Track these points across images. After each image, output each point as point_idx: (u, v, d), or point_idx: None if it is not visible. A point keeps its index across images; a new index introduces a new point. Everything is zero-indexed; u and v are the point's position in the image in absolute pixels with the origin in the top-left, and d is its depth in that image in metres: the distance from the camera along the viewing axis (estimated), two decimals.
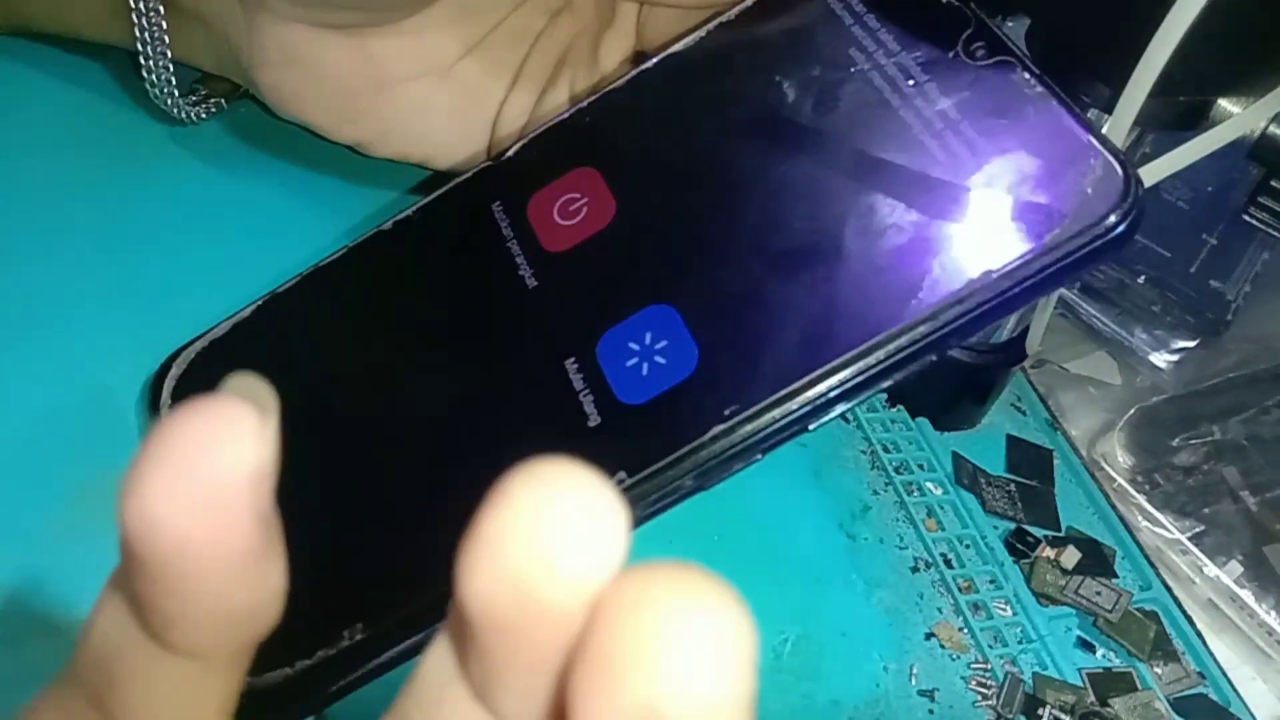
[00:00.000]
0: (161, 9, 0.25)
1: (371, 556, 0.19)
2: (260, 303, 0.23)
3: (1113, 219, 0.19)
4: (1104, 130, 0.23)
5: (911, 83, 0.22)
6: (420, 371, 0.22)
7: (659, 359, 0.20)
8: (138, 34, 0.25)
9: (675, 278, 0.21)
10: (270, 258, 0.26)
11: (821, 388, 0.19)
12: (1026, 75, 0.21)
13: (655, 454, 0.19)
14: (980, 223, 0.20)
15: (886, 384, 0.19)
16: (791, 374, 0.19)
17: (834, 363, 0.19)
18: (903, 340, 0.19)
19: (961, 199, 0.20)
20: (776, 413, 0.19)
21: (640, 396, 0.20)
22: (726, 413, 0.19)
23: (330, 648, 0.18)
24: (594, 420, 0.20)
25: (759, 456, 0.19)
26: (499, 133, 0.27)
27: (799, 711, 0.25)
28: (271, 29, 0.25)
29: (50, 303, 0.24)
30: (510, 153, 0.24)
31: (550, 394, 0.21)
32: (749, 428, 0.19)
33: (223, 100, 0.28)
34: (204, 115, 0.28)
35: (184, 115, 0.27)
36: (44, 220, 0.26)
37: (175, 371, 0.22)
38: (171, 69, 0.26)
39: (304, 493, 0.20)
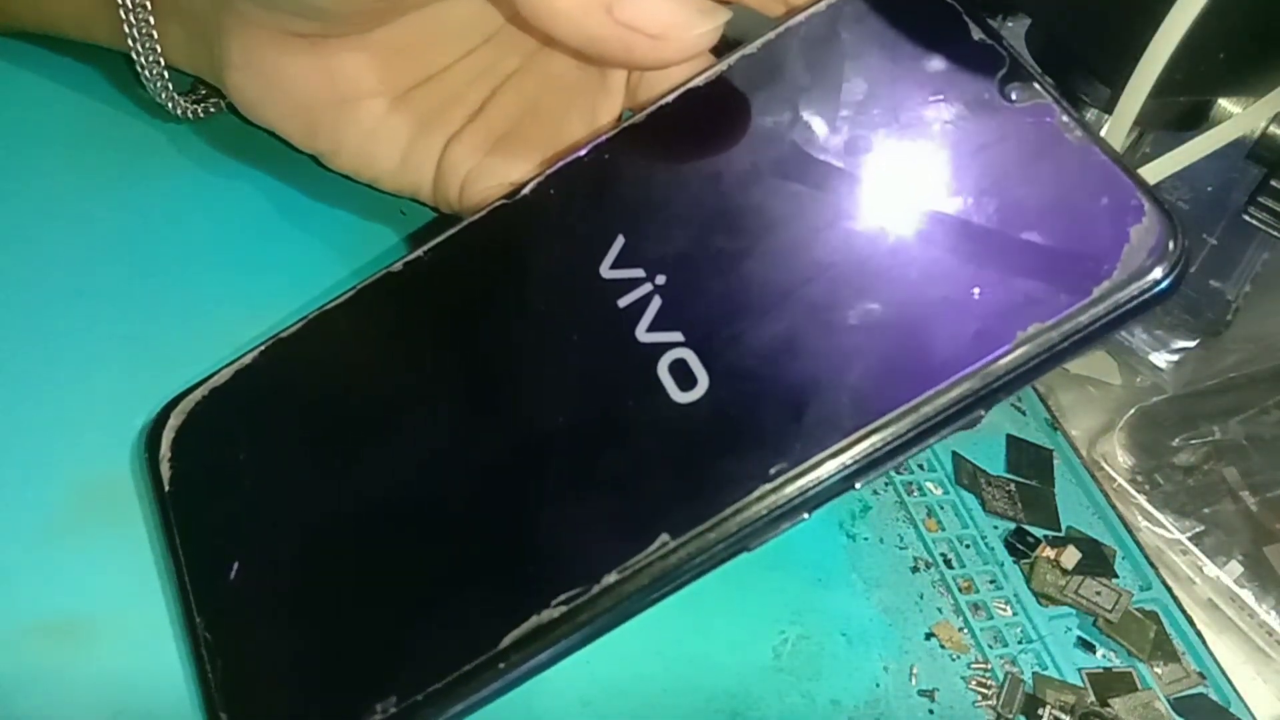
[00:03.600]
0: (149, 3, 0.24)
1: (407, 629, 0.19)
2: (263, 348, 0.22)
3: (1159, 273, 0.18)
4: (1104, 131, 0.23)
5: (946, 126, 0.21)
6: (438, 422, 0.21)
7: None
8: (127, 30, 0.25)
9: (704, 327, 0.20)
10: (271, 259, 0.26)
11: (865, 445, 0.18)
12: (1065, 119, 0.20)
13: (700, 514, 0.18)
14: (1028, 276, 0.19)
15: (932, 441, 0.19)
16: (838, 432, 0.19)
17: (879, 421, 0.18)
18: (950, 397, 0.18)
19: (1009, 251, 0.20)
20: (821, 471, 0.18)
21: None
22: (772, 471, 0.18)
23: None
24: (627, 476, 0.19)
25: (805, 516, 0.19)
26: (445, 169, 0.26)
27: (799, 711, 0.25)
28: (238, 33, 0.24)
29: (44, 308, 0.24)
30: (526, 191, 0.23)
31: (582, 449, 0.20)
32: (794, 486, 0.18)
33: (221, 101, 0.28)
34: (202, 115, 0.28)
35: (182, 113, 0.27)
36: (42, 219, 0.25)
37: (174, 422, 0.22)
38: (163, 63, 0.26)
39: (327, 555, 0.20)
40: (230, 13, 0.24)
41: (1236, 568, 0.34)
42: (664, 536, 0.18)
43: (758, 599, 0.26)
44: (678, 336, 0.20)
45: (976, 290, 0.19)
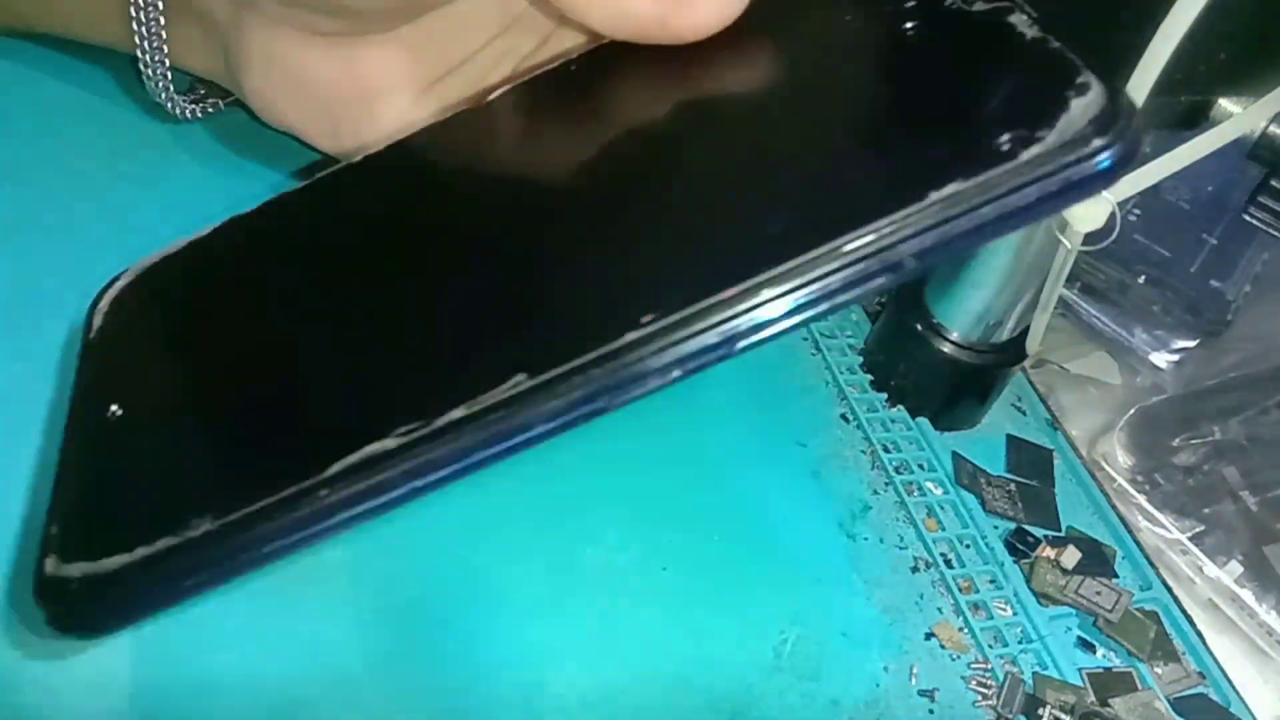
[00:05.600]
0: (160, 3, 0.25)
1: (238, 446, 0.18)
2: (217, 226, 0.23)
3: (1095, 144, 0.17)
4: None
5: (901, 23, 0.20)
6: (332, 262, 0.21)
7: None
8: (135, 28, 0.25)
9: (604, 171, 0.20)
10: None
11: (748, 301, 0.16)
12: (1023, 17, 0.19)
13: (560, 355, 0.17)
14: (955, 139, 0.18)
15: (825, 307, 0.17)
16: (719, 282, 0.17)
17: (765, 275, 0.16)
18: (845, 253, 0.16)
19: (942, 116, 0.18)
20: (697, 324, 0.16)
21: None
22: (643, 319, 0.17)
23: (175, 536, 0.16)
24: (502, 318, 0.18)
25: (676, 374, 0.17)
26: None
27: (799, 711, 0.25)
28: (258, 32, 0.24)
29: (48, 299, 0.24)
30: (490, 99, 0.24)
31: (455, 284, 0.19)
32: (665, 337, 0.16)
33: (219, 100, 0.28)
34: (200, 115, 0.28)
35: (181, 113, 0.27)
36: (42, 217, 0.26)
37: (118, 284, 0.22)
38: (168, 64, 0.26)
39: (195, 383, 0.19)
40: (252, 11, 0.24)
41: (1236, 568, 0.34)
42: (520, 375, 0.16)
43: (758, 599, 0.26)
44: (573, 180, 0.20)
45: (896, 147, 0.18)
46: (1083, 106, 0.17)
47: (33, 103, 0.28)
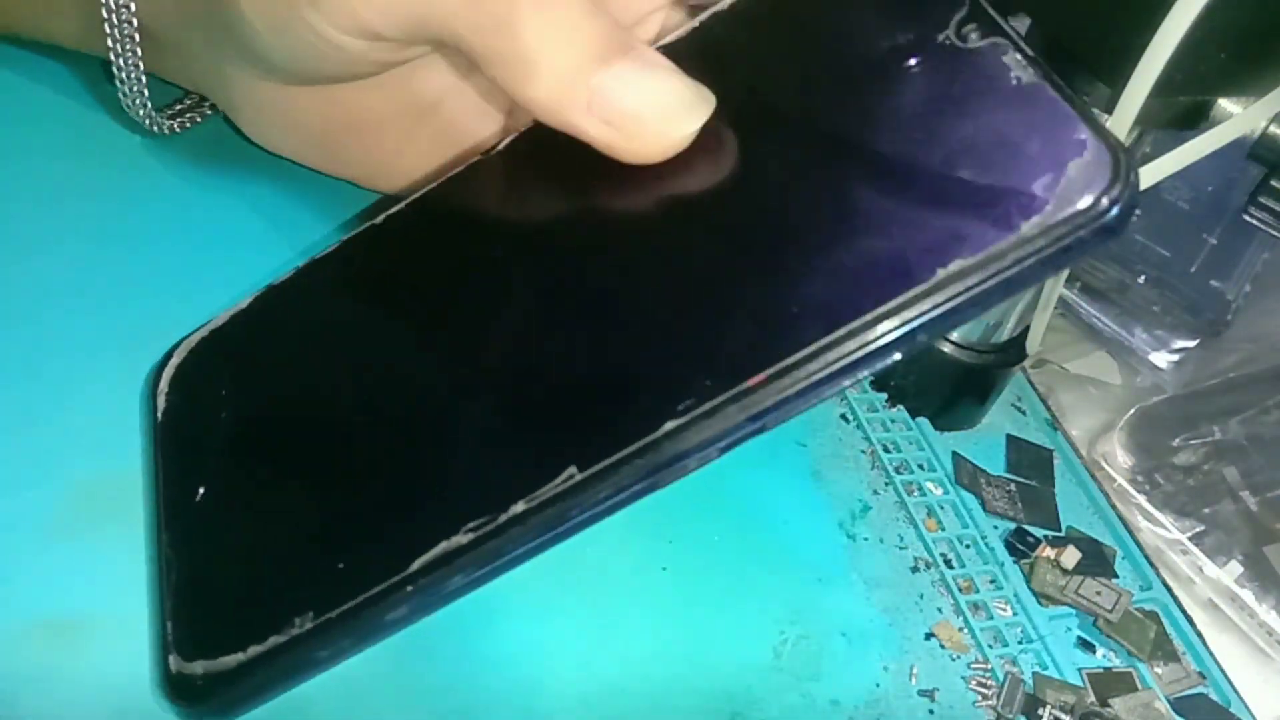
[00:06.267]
0: (135, 20, 0.24)
1: (329, 547, 0.19)
2: (257, 294, 0.24)
3: (1102, 205, 0.17)
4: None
5: (891, 62, 0.21)
6: (383, 360, 0.22)
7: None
8: (110, 44, 0.24)
9: (627, 267, 0.21)
10: (251, 267, 0.26)
11: (776, 386, 0.18)
12: (1018, 57, 0.20)
13: (607, 448, 0.18)
14: (955, 211, 0.18)
15: (847, 383, 0.18)
16: (747, 370, 0.18)
17: (788, 361, 0.18)
18: (864, 337, 0.18)
19: (938, 186, 0.19)
20: (731, 410, 0.18)
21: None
22: (680, 408, 0.18)
23: (282, 635, 0.18)
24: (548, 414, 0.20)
25: (715, 456, 0.18)
26: None
27: (799, 711, 0.25)
28: (240, 82, 0.24)
29: (30, 310, 0.24)
30: (501, 145, 0.24)
31: (501, 384, 0.20)
32: (703, 423, 0.18)
33: (196, 115, 0.28)
34: (178, 129, 0.27)
35: (159, 128, 0.27)
36: (24, 226, 0.25)
37: (175, 360, 0.23)
38: (145, 82, 0.25)
39: (273, 479, 0.21)
40: (230, 64, 0.24)
41: (1236, 568, 0.34)
42: (571, 469, 0.18)
43: (758, 599, 0.26)
44: (602, 278, 0.21)
45: (899, 225, 0.19)
46: (1082, 167, 0.18)
47: (13, 110, 0.28)
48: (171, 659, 0.19)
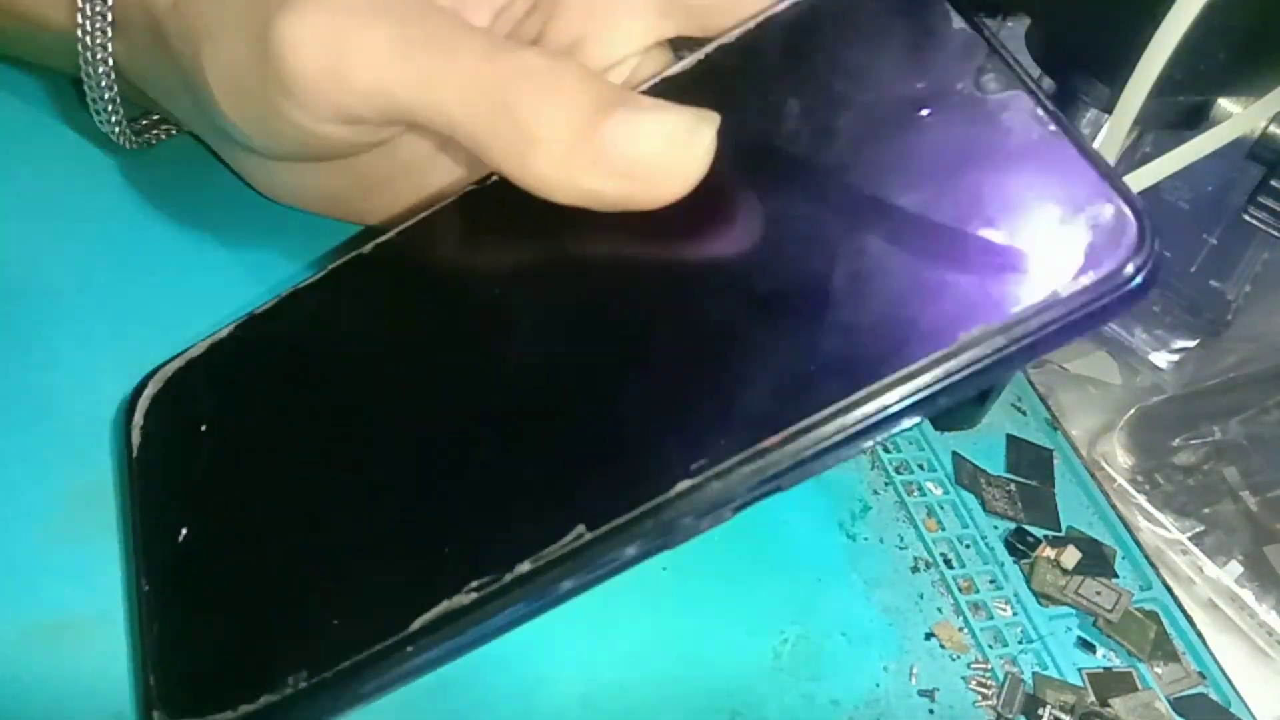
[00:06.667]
0: (109, 31, 0.23)
1: (324, 599, 0.19)
2: (237, 323, 0.23)
3: (1127, 271, 0.17)
4: (1103, 130, 0.23)
5: (911, 115, 0.20)
6: (375, 404, 0.21)
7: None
8: (83, 66, 0.23)
9: (635, 319, 0.20)
10: (233, 284, 0.26)
11: (791, 447, 0.17)
12: (1040, 113, 0.19)
13: (617, 507, 0.18)
14: (979, 275, 0.18)
15: (867, 445, 0.18)
16: (763, 430, 0.17)
17: (806, 421, 0.17)
18: (883, 400, 0.17)
19: (962, 249, 0.18)
20: (745, 470, 0.17)
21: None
22: (694, 467, 0.17)
23: (275, 694, 0.18)
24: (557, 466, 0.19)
25: (728, 515, 0.18)
26: None
27: (799, 711, 0.25)
28: (241, 158, 0.24)
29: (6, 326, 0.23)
30: (494, 178, 0.23)
31: (507, 440, 0.19)
32: (716, 484, 0.17)
33: (172, 129, 0.27)
34: (153, 143, 0.27)
35: (127, 143, 0.26)
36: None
37: (149, 391, 0.22)
38: (118, 100, 0.24)
39: (261, 526, 0.20)
40: (225, 137, 0.23)
41: (1236, 568, 0.34)
42: (580, 528, 0.18)
43: (758, 599, 0.26)
44: (612, 330, 0.20)
45: (920, 285, 0.18)
46: (1108, 232, 0.17)
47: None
48: (156, 715, 0.18)
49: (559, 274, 0.21)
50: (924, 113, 0.20)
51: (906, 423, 0.18)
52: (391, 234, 0.23)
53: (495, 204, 0.23)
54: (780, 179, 0.21)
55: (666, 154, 0.20)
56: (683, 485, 0.17)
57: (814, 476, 0.18)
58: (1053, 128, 0.19)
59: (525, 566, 0.17)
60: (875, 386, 0.17)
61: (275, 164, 0.24)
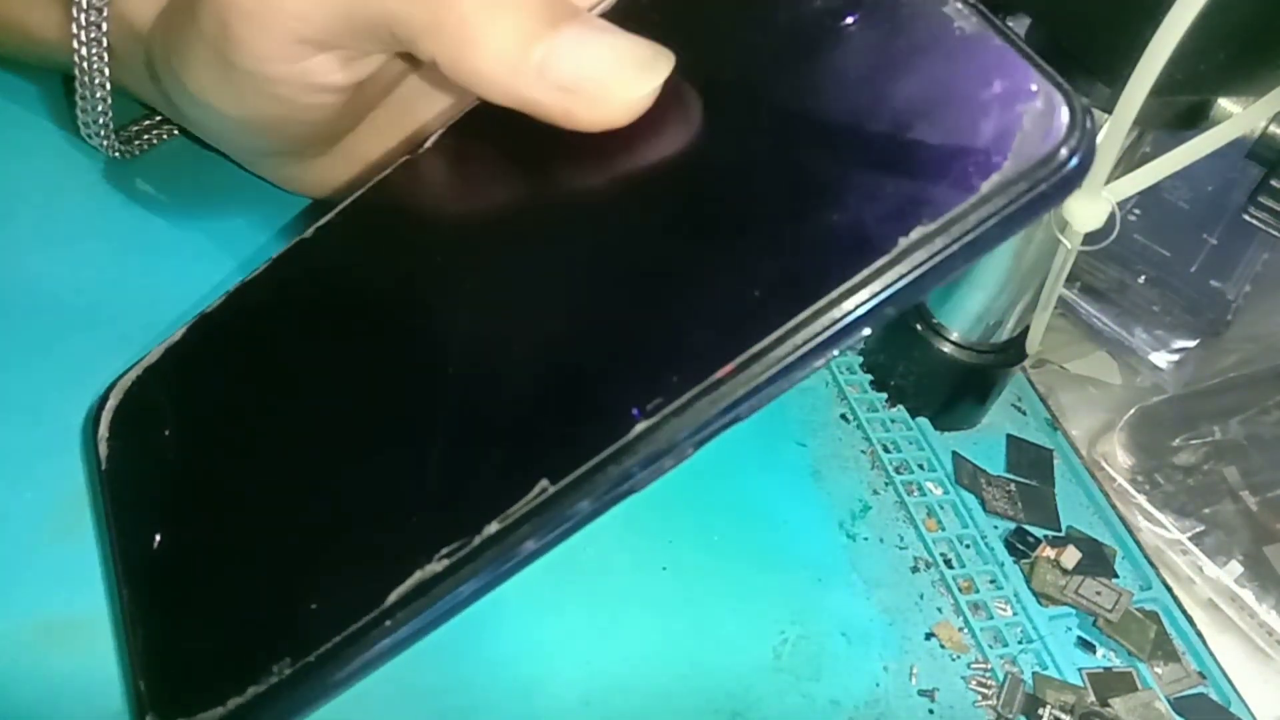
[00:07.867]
0: (104, 41, 0.23)
1: (299, 587, 0.19)
2: (190, 325, 0.23)
3: (1061, 155, 0.17)
4: (1103, 130, 0.23)
5: (837, 26, 0.20)
6: (334, 385, 0.21)
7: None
8: (78, 76, 0.24)
9: (579, 263, 0.20)
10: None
11: (744, 375, 0.17)
12: (961, 7, 0.19)
13: (578, 456, 0.17)
14: (912, 176, 0.18)
15: (819, 364, 0.17)
16: (716, 360, 0.17)
17: (756, 348, 0.17)
18: (830, 316, 0.17)
19: (891, 152, 0.18)
20: (701, 405, 0.17)
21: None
22: (650, 407, 0.17)
23: (261, 684, 0.18)
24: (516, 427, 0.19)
25: (690, 452, 0.18)
26: None
27: (799, 711, 0.25)
28: (264, 165, 0.25)
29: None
30: (427, 145, 0.23)
31: (461, 402, 0.19)
32: (674, 421, 0.17)
33: (155, 138, 0.28)
34: (138, 153, 0.27)
35: (116, 153, 0.26)
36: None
37: (111, 403, 0.22)
38: (109, 109, 0.25)
39: (231, 521, 0.20)
40: (233, 144, 0.24)
41: (1236, 568, 0.34)
42: (543, 482, 0.17)
43: (758, 599, 0.26)
44: (551, 276, 0.20)
45: (855, 195, 0.18)
46: (1037, 118, 0.17)
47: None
48: (149, 719, 0.18)
49: (493, 227, 0.21)
50: (844, 18, 0.20)
51: (856, 336, 0.17)
52: (331, 215, 0.23)
53: (429, 172, 0.23)
54: (709, 103, 0.20)
55: (614, 79, 0.20)
56: (640, 427, 0.17)
57: (771, 402, 0.17)
58: (975, 20, 0.19)
59: (493, 527, 0.17)
60: (820, 304, 0.17)
61: (296, 163, 0.24)
